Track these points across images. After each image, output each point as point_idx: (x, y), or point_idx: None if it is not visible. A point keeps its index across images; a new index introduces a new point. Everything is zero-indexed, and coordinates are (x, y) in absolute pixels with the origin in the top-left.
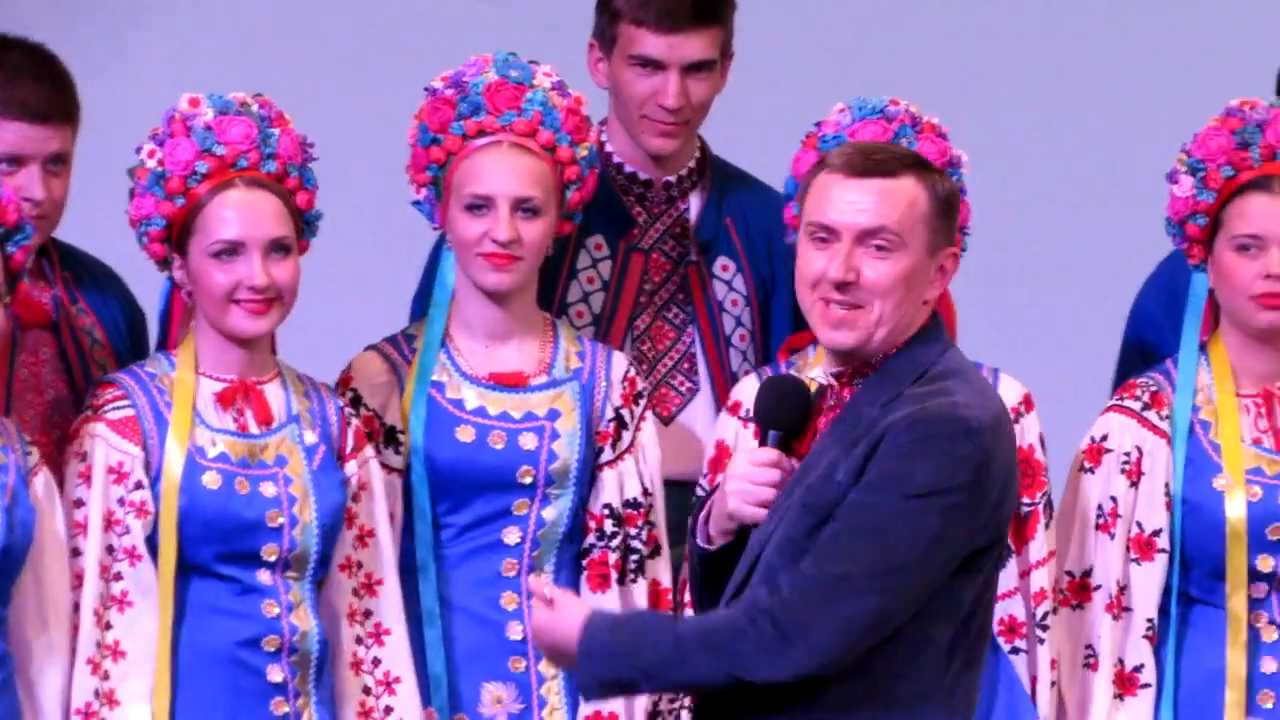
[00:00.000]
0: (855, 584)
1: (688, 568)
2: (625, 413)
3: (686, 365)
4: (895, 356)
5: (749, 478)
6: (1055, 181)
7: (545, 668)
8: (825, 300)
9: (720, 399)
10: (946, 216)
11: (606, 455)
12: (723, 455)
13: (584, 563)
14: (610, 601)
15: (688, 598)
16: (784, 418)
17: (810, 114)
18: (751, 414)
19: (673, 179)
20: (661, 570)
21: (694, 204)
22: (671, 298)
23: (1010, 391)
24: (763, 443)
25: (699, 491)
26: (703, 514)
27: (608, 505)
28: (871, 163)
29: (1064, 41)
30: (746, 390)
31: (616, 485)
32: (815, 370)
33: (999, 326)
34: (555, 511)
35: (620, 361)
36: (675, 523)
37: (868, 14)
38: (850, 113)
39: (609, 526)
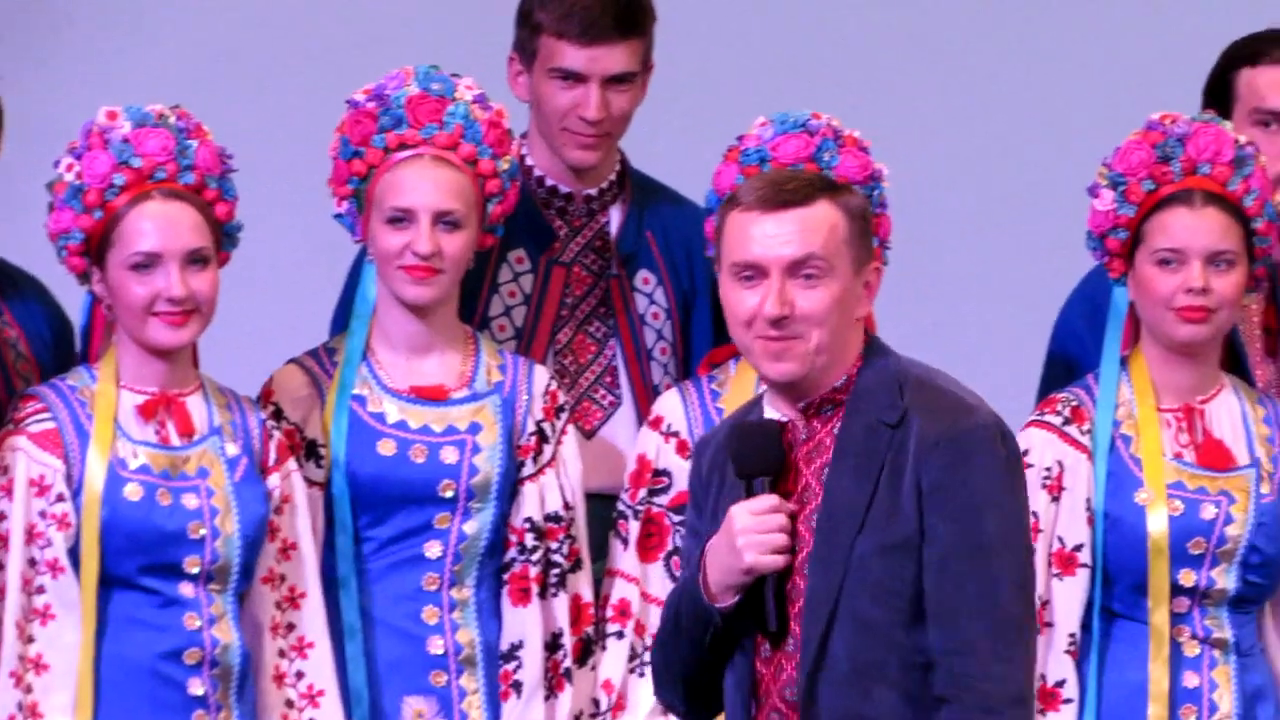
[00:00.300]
0: (1022, 625)
1: (665, 630)
2: (547, 426)
3: (608, 379)
4: (862, 377)
5: (757, 529)
6: (977, 194)
7: (466, 681)
8: (763, 337)
9: (642, 412)
10: (864, 233)
11: (528, 469)
12: (644, 470)
13: (505, 577)
14: (531, 616)
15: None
16: (766, 463)
17: (729, 126)
18: (695, 450)
19: (593, 192)
20: (583, 584)
21: (615, 217)
22: (593, 311)
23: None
24: (750, 492)
25: (620, 506)
26: (694, 579)
27: (529, 519)
28: (786, 193)
29: (985, 53)
30: (668, 405)
31: (538, 499)
32: (733, 397)
33: (921, 341)
34: (476, 525)
35: (542, 375)
36: (597, 536)
37: (788, 27)
38: (772, 127)
39: (530, 540)
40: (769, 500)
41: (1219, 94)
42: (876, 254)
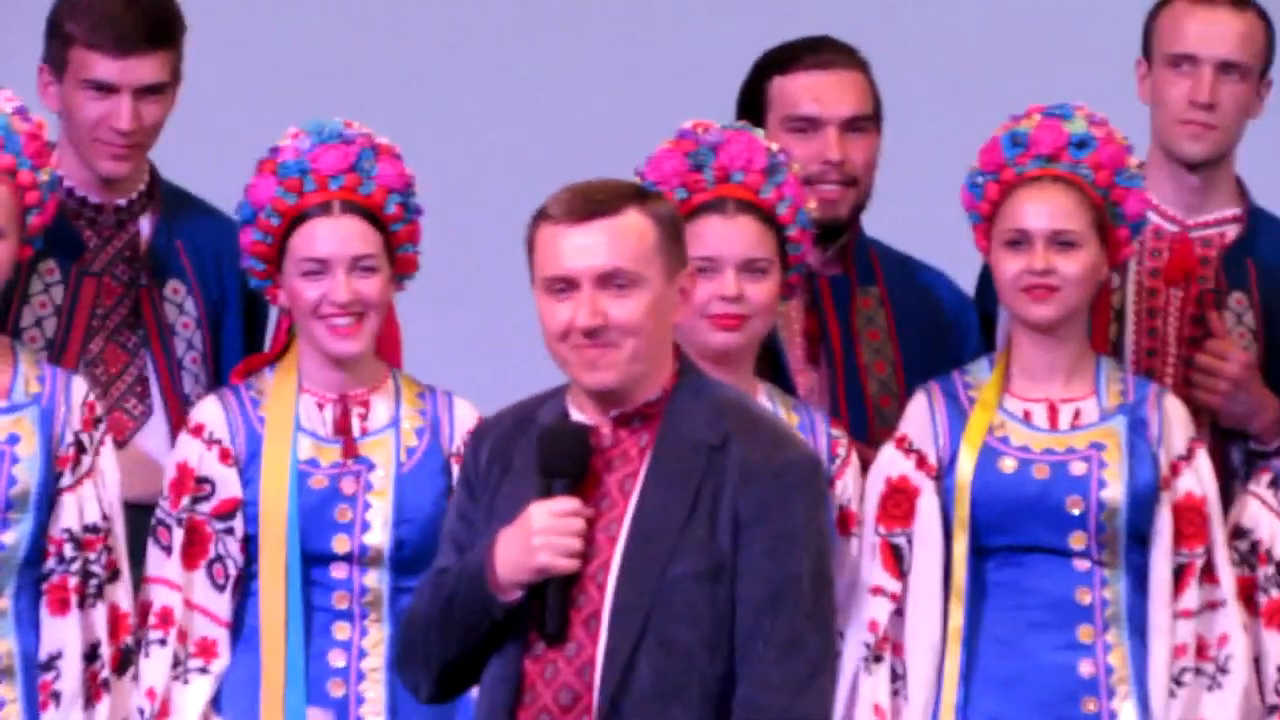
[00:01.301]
0: (824, 661)
1: (428, 612)
2: (85, 437)
3: (139, 388)
4: (677, 393)
5: (555, 530)
6: (509, 198)
7: (5, 691)
8: (578, 347)
9: (173, 421)
10: (676, 240)
11: (66, 480)
12: (186, 477)
13: (44, 587)
14: (70, 626)
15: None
16: (572, 466)
17: (253, 134)
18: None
19: (124, 202)
20: (120, 594)
21: (144, 227)
22: (124, 321)
23: (465, 415)
24: (548, 492)
25: (159, 514)
26: (480, 567)
27: (67, 529)
28: (594, 204)
29: (515, 56)
30: (208, 413)
31: (76, 510)
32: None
33: (449, 347)
34: (15, 536)
35: (80, 386)
36: (132, 546)
37: (317, 34)
38: (308, 137)
39: (69, 551)
40: (570, 503)
41: (751, 102)
42: (688, 260)
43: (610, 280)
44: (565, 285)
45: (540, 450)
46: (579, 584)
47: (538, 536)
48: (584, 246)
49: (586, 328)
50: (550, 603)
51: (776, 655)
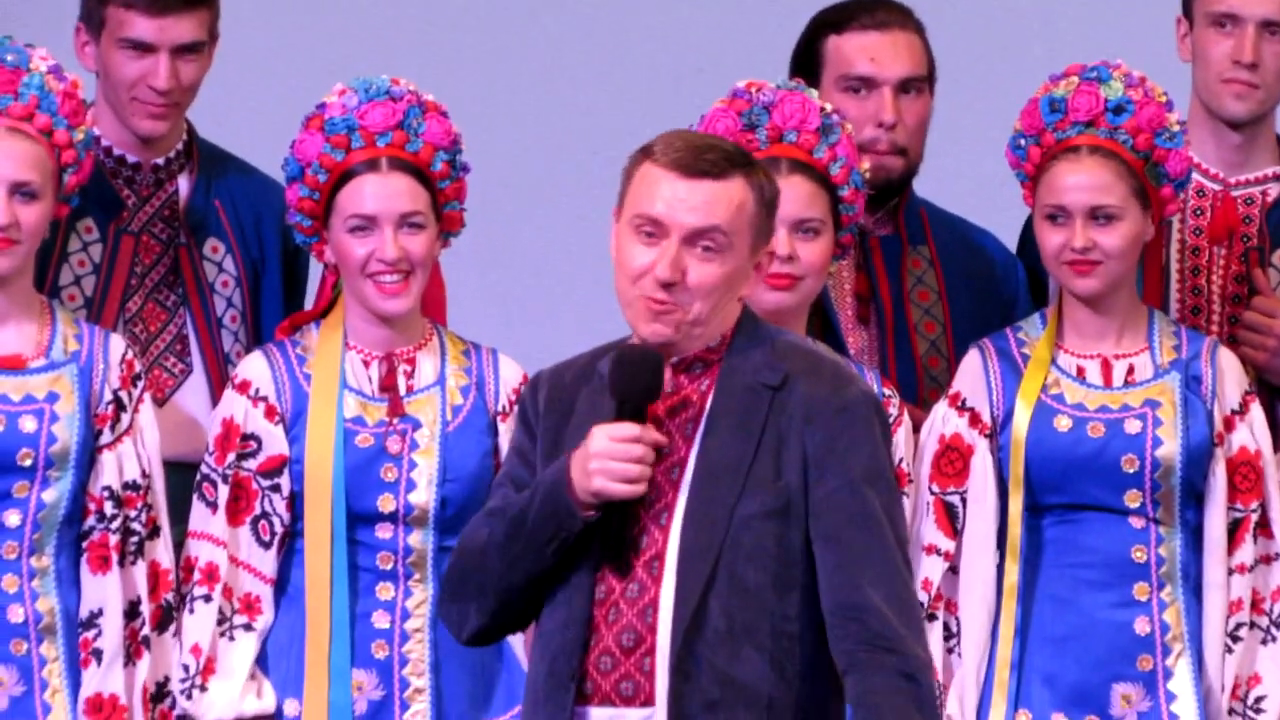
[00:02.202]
0: (915, 599)
1: (492, 538)
2: (123, 395)
3: (179, 347)
4: (735, 340)
5: (613, 455)
6: (553, 161)
7: (46, 650)
8: (647, 296)
9: (214, 379)
10: (770, 215)
11: (106, 437)
12: (232, 434)
13: (84, 545)
14: (111, 584)
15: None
16: (638, 389)
17: (287, 96)
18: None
19: (161, 161)
20: (160, 551)
21: (183, 186)
22: (162, 279)
23: (510, 373)
24: (619, 416)
25: (204, 469)
26: (559, 482)
27: (107, 487)
28: (704, 163)
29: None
30: (255, 369)
31: (116, 467)
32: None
33: (495, 305)
34: (55, 494)
35: (118, 344)
36: (171, 504)
37: None
38: (355, 94)
39: (109, 508)
40: (632, 429)
41: (806, 62)
42: (772, 236)
43: (698, 239)
44: (654, 229)
45: (613, 371)
46: (640, 525)
47: (594, 460)
48: (685, 201)
49: (664, 279)
50: (611, 528)
51: (877, 589)
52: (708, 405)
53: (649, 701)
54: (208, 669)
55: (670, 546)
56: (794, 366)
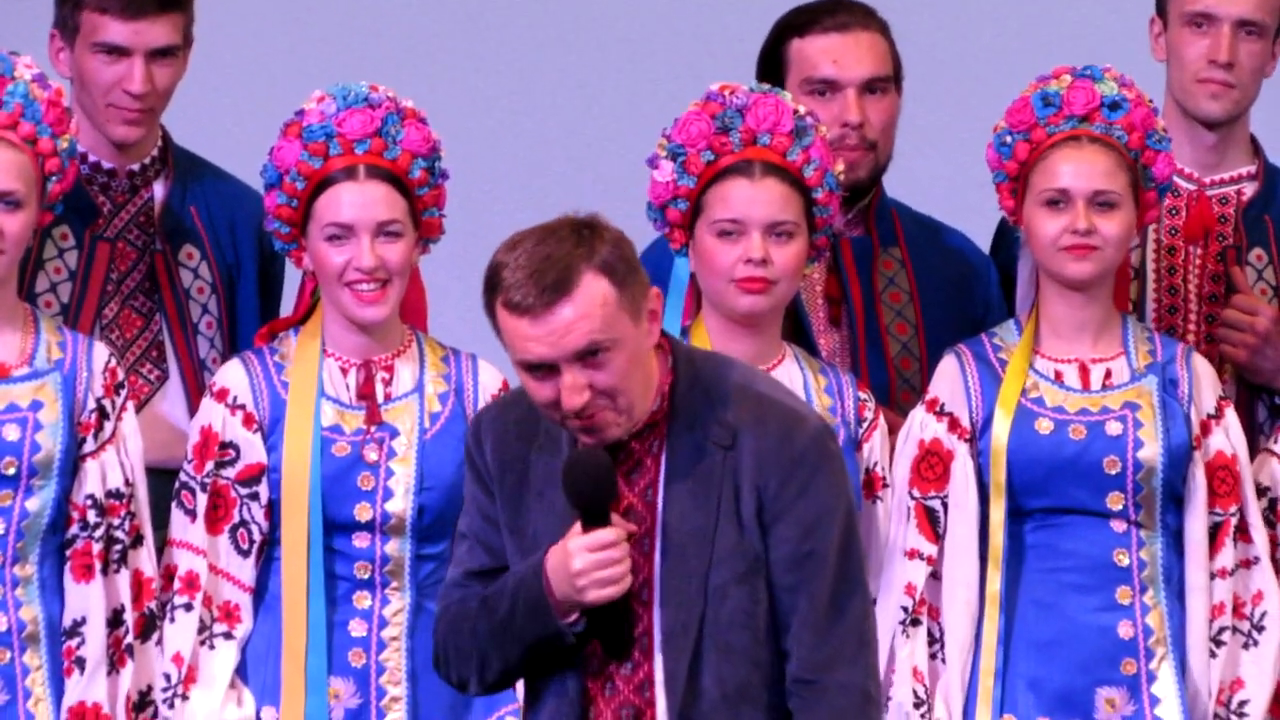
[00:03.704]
0: (865, 629)
1: (483, 619)
2: (107, 403)
3: (155, 353)
4: (676, 392)
5: (598, 566)
6: (534, 161)
7: (30, 658)
8: (568, 420)
9: (190, 386)
10: (632, 276)
11: (89, 446)
12: (210, 442)
13: (67, 553)
14: (94, 592)
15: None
16: (599, 498)
17: (266, 103)
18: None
19: (136, 168)
20: (144, 560)
21: (158, 192)
22: (138, 286)
23: (489, 379)
24: (586, 525)
25: (183, 478)
26: (539, 590)
27: (91, 496)
28: (549, 288)
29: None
30: (233, 377)
31: (99, 475)
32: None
33: (475, 311)
34: (39, 502)
35: (101, 352)
36: (150, 510)
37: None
38: (333, 101)
39: (92, 517)
40: (606, 536)
41: (771, 66)
42: (644, 281)
43: (584, 356)
44: (541, 369)
45: (566, 486)
46: (626, 602)
47: (580, 578)
48: (554, 332)
49: (575, 408)
50: (609, 627)
51: (824, 630)
52: (662, 467)
53: None
54: (189, 678)
55: (655, 623)
56: (742, 418)
